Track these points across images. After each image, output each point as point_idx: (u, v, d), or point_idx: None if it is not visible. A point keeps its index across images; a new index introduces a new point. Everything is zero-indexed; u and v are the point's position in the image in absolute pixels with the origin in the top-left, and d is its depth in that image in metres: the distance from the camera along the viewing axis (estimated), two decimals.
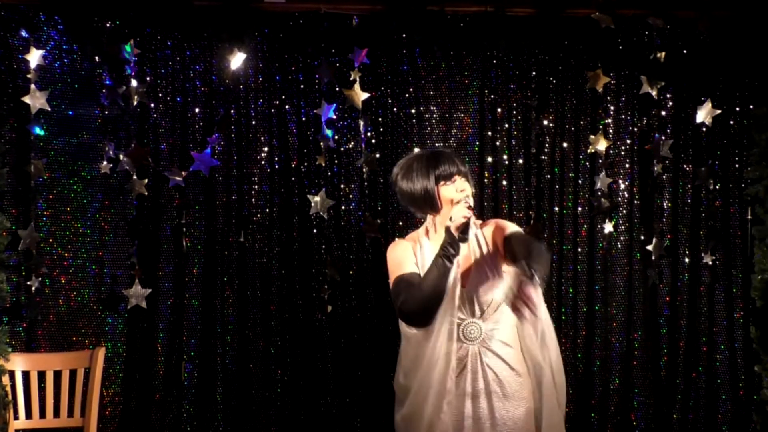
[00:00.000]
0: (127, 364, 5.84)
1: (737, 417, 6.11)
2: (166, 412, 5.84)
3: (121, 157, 5.77)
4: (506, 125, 6.05)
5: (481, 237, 4.07)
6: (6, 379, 5.13)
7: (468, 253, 4.01)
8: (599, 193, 6.05)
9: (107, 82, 5.76)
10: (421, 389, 3.90)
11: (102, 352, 5.40)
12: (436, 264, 3.79)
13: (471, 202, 3.90)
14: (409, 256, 3.98)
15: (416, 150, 4.03)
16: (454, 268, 3.83)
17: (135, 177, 5.78)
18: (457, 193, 3.92)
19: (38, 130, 5.70)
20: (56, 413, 5.29)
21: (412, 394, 3.94)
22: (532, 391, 4.04)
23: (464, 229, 3.77)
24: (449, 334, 3.89)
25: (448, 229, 3.79)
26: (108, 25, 5.77)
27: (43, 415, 5.27)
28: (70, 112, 5.80)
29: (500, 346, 3.99)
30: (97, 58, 5.78)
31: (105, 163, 5.78)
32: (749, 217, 6.06)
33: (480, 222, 4.11)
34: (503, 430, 3.95)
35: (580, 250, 6.09)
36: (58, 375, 5.30)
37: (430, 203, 3.96)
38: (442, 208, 3.95)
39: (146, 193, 5.82)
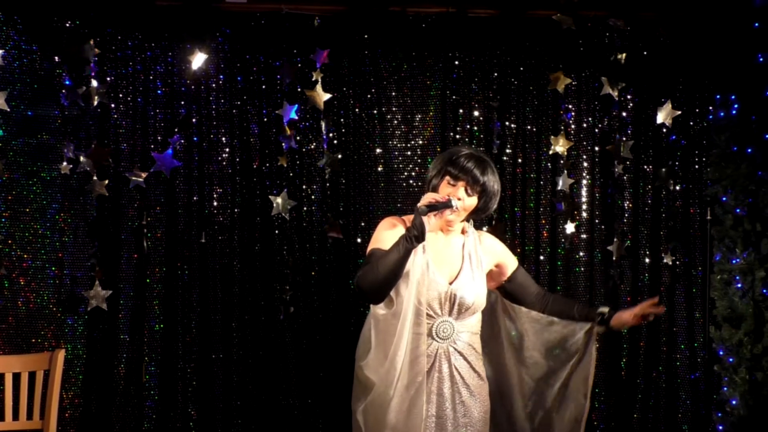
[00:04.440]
0: (87, 365, 5.82)
1: (697, 416, 6.16)
2: (127, 414, 5.82)
3: (81, 157, 5.75)
4: (468, 126, 6.07)
5: (477, 244, 4.09)
6: None
7: (461, 253, 4.03)
8: (561, 194, 6.07)
9: (67, 83, 5.74)
10: (386, 380, 3.88)
11: (62, 353, 5.35)
12: (398, 245, 3.77)
13: (457, 204, 3.89)
14: (395, 235, 3.94)
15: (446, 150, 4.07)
16: (419, 251, 3.83)
17: (95, 178, 5.76)
18: (449, 194, 3.92)
19: None
20: (15, 416, 5.24)
21: (376, 386, 3.91)
22: (489, 394, 4.09)
23: (429, 206, 3.78)
24: (423, 328, 3.89)
25: (417, 209, 3.79)
26: (68, 24, 5.75)
27: (1, 417, 5.22)
28: (30, 113, 5.77)
29: (468, 348, 4.01)
30: (56, 58, 5.76)
31: (65, 163, 5.75)
32: (709, 217, 6.11)
33: (475, 229, 4.15)
34: (464, 431, 3.98)
35: (541, 250, 6.12)
36: (17, 377, 5.25)
37: (432, 191, 3.99)
38: None
39: (107, 194, 5.79)
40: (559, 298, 4.25)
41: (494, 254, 4.12)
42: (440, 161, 3.98)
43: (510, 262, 4.16)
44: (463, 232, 4.12)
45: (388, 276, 3.78)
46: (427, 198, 3.81)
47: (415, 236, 3.76)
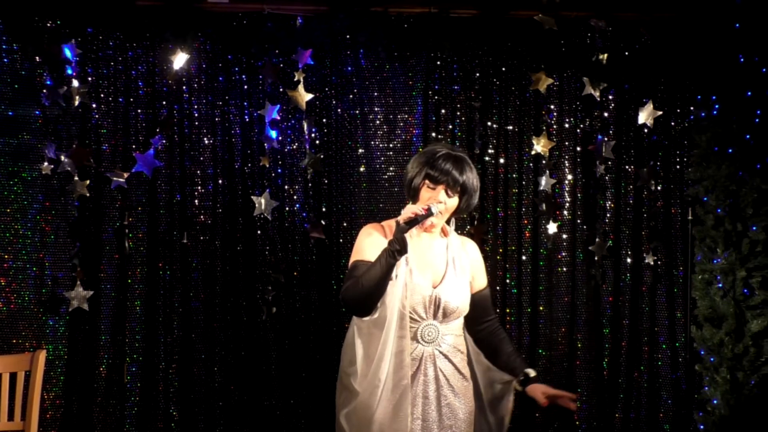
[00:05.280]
0: (68, 366, 5.80)
1: (678, 416, 6.17)
2: (108, 414, 5.81)
3: (63, 158, 5.72)
4: (450, 126, 6.07)
5: (461, 249, 4.09)
6: None
7: (446, 257, 4.03)
8: (543, 194, 6.08)
9: (48, 83, 5.72)
10: (371, 386, 3.88)
11: (43, 354, 5.32)
12: (380, 259, 3.78)
13: (439, 208, 3.89)
14: (376, 245, 3.94)
15: (429, 147, 4.04)
16: (404, 266, 3.83)
17: (76, 178, 5.74)
18: (431, 200, 3.92)
19: None
20: None
21: (362, 390, 3.91)
22: (474, 395, 4.09)
23: (409, 222, 3.79)
24: (408, 332, 3.89)
25: (397, 223, 3.80)
26: (49, 24, 5.73)
27: None
28: (10, 113, 5.75)
29: (453, 351, 4.01)
30: (37, 58, 5.74)
31: (46, 164, 5.73)
32: (690, 217, 6.13)
33: (458, 233, 4.15)
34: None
35: (524, 250, 6.13)
36: None
37: (412, 195, 3.98)
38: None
39: (88, 195, 5.78)
40: (500, 336, 4.17)
41: (473, 265, 4.13)
42: (418, 163, 3.98)
43: (481, 279, 4.14)
44: (444, 233, 4.12)
45: (372, 290, 3.79)
46: (407, 213, 3.81)
47: (397, 250, 3.77)
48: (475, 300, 4.10)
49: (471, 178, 3.97)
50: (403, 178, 4.06)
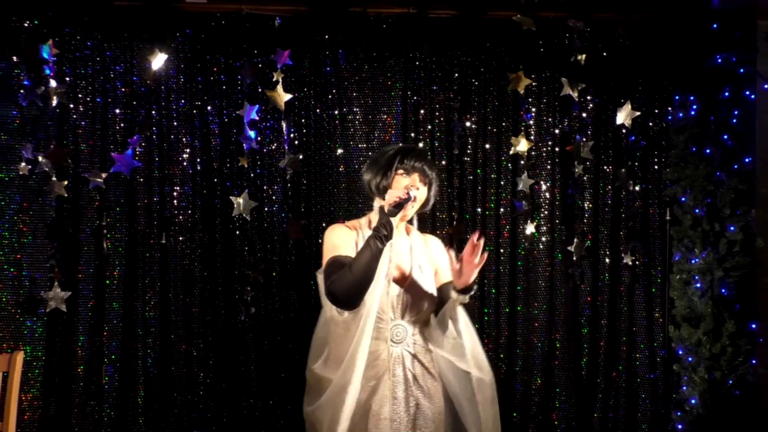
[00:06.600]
0: (46, 367, 5.79)
1: (656, 415, 6.19)
2: (87, 416, 5.79)
3: (40, 158, 5.71)
4: (429, 126, 6.07)
5: (424, 248, 4.10)
6: None
7: (410, 258, 4.03)
8: (521, 194, 6.09)
9: (25, 83, 5.70)
10: (341, 383, 3.88)
11: (20, 355, 5.31)
12: (368, 245, 3.77)
13: (415, 194, 3.92)
14: (348, 240, 3.96)
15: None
16: (387, 253, 3.83)
17: (54, 178, 5.72)
18: (407, 186, 3.94)
19: None
20: None
21: (332, 385, 3.90)
22: (443, 394, 4.09)
23: (396, 205, 3.80)
24: (377, 332, 3.90)
25: (381, 209, 3.81)
26: (26, 24, 5.70)
27: None
28: None
29: (422, 351, 4.01)
30: (15, 57, 5.72)
31: (23, 164, 5.71)
32: (668, 217, 6.15)
33: (420, 232, 4.16)
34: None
35: (502, 251, 6.14)
36: None
37: (382, 192, 3.98)
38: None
39: (66, 195, 5.76)
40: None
41: (437, 259, 4.14)
42: (385, 160, 4.00)
43: (446, 272, 4.13)
44: (407, 232, 4.14)
45: (362, 278, 3.77)
46: (392, 197, 3.83)
47: (384, 236, 3.78)
48: (441, 291, 4.09)
49: (435, 171, 4.05)
50: (366, 185, 4.06)
